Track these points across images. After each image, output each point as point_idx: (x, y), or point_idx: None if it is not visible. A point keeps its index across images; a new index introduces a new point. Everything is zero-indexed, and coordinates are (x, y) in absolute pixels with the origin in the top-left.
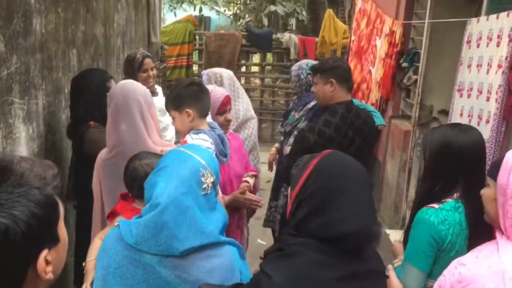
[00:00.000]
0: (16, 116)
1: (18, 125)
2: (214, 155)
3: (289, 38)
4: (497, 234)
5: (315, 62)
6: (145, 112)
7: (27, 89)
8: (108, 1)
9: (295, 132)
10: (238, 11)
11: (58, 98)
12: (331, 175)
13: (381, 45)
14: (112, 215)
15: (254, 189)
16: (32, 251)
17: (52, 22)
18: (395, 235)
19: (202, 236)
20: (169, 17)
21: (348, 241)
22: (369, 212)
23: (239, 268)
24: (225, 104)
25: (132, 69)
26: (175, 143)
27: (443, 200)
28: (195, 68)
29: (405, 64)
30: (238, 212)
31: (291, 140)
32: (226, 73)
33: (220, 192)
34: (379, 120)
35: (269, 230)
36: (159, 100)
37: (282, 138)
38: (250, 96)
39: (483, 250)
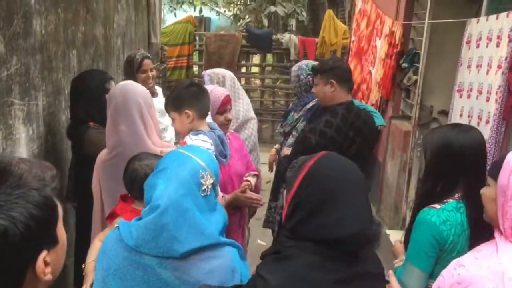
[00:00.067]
0: (16, 117)
1: (18, 126)
2: (213, 156)
3: (289, 38)
4: (496, 234)
5: (315, 63)
6: (145, 113)
7: (27, 90)
8: (108, 2)
9: (294, 133)
10: (238, 12)
11: (58, 99)
12: (326, 178)
13: (381, 45)
14: (112, 216)
15: (255, 189)
16: (31, 253)
17: (52, 23)
18: (395, 236)
19: (202, 237)
20: (169, 18)
21: (344, 244)
22: (366, 214)
23: (239, 269)
24: (225, 104)
25: (132, 70)
26: (175, 144)
27: (445, 200)
28: (195, 69)
29: (405, 65)
30: (239, 211)
31: (290, 140)
32: (227, 74)
33: (219, 192)
34: (379, 120)
35: (269, 231)
36: (159, 101)
37: (282, 138)
38: (250, 97)
39: (482, 251)
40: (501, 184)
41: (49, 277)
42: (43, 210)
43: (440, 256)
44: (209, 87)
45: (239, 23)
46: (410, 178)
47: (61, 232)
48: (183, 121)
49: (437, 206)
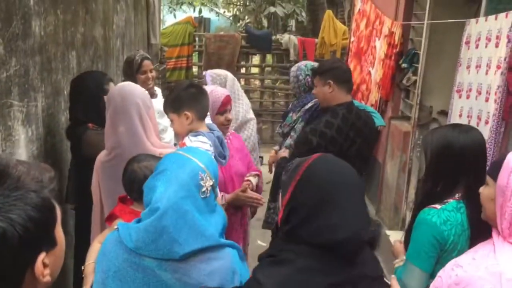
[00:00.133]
0: (15, 119)
1: (17, 128)
2: (213, 157)
3: (289, 39)
4: (494, 234)
5: (314, 63)
6: (143, 114)
7: (26, 91)
8: (107, 3)
9: (292, 133)
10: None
11: (58, 100)
12: (322, 180)
13: (380, 46)
14: (111, 218)
15: (257, 189)
16: (30, 254)
17: (51, 24)
18: (395, 236)
19: (202, 239)
20: (169, 18)
21: (340, 248)
22: (362, 217)
23: (239, 270)
24: (226, 104)
25: (131, 71)
26: (174, 145)
27: (445, 200)
28: (194, 69)
29: (404, 65)
30: (240, 211)
31: (288, 141)
32: (229, 74)
33: (219, 192)
34: (378, 120)
35: (269, 232)
36: (158, 102)
37: (281, 139)
38: (250, 98)
39: (479, 251)
40: (500, 184)
41: (48, 279)
42: (41, 212)
43: (441, 256)
44: (209, 87)
45: (238, 24)
46: (410, 179)
47: (59, 233)
48: (182, 122)
49: (438, 206)
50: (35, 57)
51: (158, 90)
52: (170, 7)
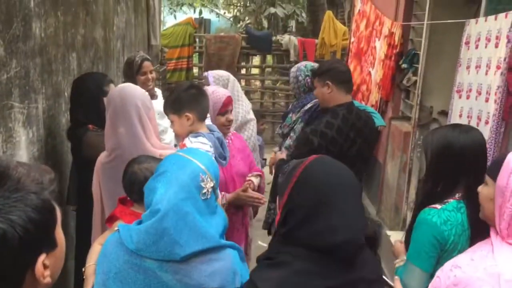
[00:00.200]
0: (16, 120)
1: (18, 129)
2: (213, 158)
3: (289, 40)
4: (492, 234)
5: (314, 64)
6: (143, 115)
7: (27, 93)
8: (107, 5)
9: (292, 134)
10: (238, 14)
11: (58, 102)
12: (318, 183)
13: (380, 46)
14: (111, 219)
15: (259, 189)
16: (30, 256)
17: (52, 26)
18: (396, 236)
19: (203, 240)
20: (169, 19)
21: (338, 250)
22: (359, 218)
23: (240, 271)
24: (227, 105)
25: (131, 72)
26: (174, 146)
27: (445, 200)
28: (195, 70)
29: (404, 65)
30: (241, 210)
31: (288, 142)
32: (231, 76)
33: (219, 193)
34: (379, 121)
35: None
36: (159, 103)
37: (281, 140)
38: (250, 98)
39: (478, 251)
40: (499, 185)
41: (48, 280)
42: (42, 214)
43: (441, 256)
44: (210, 88)
45: (239, 25)
46: (411, 179)
47: (59, 235)
48: (183, 123)
49: (438, 206)
50: (35, 58)
51: (158, 91)
52: (170, 8)
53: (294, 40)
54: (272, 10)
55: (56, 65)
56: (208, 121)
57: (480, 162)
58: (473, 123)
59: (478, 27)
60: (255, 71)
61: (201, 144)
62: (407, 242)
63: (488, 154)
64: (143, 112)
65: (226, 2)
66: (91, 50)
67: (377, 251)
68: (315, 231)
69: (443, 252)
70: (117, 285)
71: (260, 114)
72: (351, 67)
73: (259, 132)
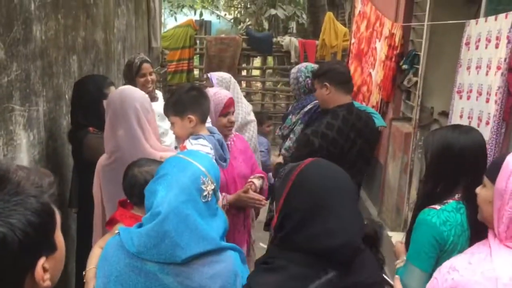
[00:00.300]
0: (16, 123)
1: (19, 132)
2: (214, 160)
3: (290, 41)
4: (490, 236)
5: (314, 65)
6: (142, 118)
7: (27, 96)
8: (108, 7)
9: (292, 136)
10: (238, 15)
11: (59, 104)
12: (314, 186)
13: (381, 47)
14: (111, 222)
15: (262, 191)
16: (30, 259)
17: (52, 28)
18: (397, 237)
19: (204, 242)
20: (170, 21)
21: (335, 254)
22: (356, 221)
23: (241, 273)
24: (229, 106)
25: (131, 74)
26: (175, 148)
27: (445, 201)
28: (196, 72)
29: (405, 66)
30: (243, 212)
31: (287, 143)
32: (232, 78)
33: (220, 195)
34: (379, 121)
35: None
36: (160, 105)
37: (282, 141)
38: (251, 100)
39: (476, 254)
40: (498, 187)
41: (48, 283)
42: (41, 217)
43: (441, 256)
44: (212, 89)
45: (239, 26)
46: (412, 180)
47: (59, 238)
48: (185, 125)
49: (437, 206)
50: (36, 61)
51: (159, 93)
52: (171, 10)
53: (295, 41)
54: (273, 11)
55: (56, 68)
56: (208, 123)
57: (479, 163)
58: (474, 124)
59: (478, 28)
60: (255, 72)
61: (201, 146)
62: (407, 242)
63: (488, 155)
64: (141, 115)
65: (226, 3)
66: (91, 53)
67: (379, 249)
68: (312, 235)
69: (442, 252)
70: None
71: (266, 116)
72: (352, 68)
73: (266, 134)
